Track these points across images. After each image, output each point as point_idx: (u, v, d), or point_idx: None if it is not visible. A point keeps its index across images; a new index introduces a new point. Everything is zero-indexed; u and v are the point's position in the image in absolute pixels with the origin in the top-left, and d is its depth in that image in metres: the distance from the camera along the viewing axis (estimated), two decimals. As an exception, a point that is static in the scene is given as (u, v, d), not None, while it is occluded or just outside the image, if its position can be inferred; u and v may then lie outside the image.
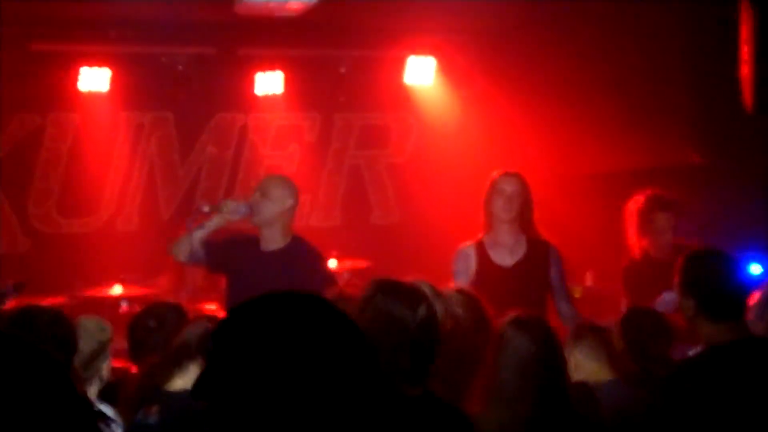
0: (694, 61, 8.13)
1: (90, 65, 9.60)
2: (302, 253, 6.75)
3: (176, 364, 4.55)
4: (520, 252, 6.93)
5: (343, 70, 10.31)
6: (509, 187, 6.91)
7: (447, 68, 10.31)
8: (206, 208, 6.86)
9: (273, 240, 6.72)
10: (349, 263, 8.94)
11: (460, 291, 5.50)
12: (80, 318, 5.22)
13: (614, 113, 8.83)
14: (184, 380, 4.53)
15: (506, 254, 6.94)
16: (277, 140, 10.67)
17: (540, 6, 8.69)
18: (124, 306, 8.40)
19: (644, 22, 8.37)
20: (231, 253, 6.82)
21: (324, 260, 7.00)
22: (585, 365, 5.16)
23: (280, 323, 1.99)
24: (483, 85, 9.92)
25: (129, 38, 9.52)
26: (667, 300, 6.58)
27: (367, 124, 10.96)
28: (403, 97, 10.60)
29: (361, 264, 9.01)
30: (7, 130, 9.80)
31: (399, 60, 10.34)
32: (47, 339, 4.16)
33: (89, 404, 1.18)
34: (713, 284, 4.45)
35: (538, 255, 6.91)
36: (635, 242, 7.49)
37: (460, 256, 6.97)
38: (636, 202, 7.52)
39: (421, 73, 10.37)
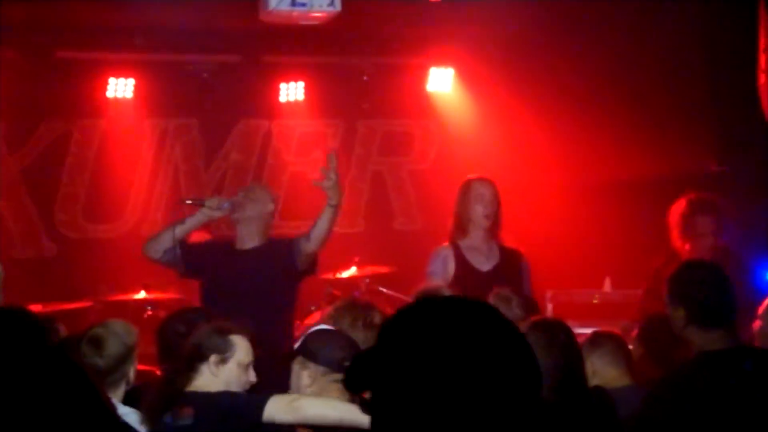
0: (713, 69, 8.16)
1: (116, 72, 9.72)
2: (278, 250, 6.86)
3: (190, 367, 4.65)
4: (495, 258, 6.89)
5: (365, 77, 10.39)
6: (488, 192, 6.89)
7: (467, 76, 10.37)
8: (189, 201, 6.97)
9: (249, 239, 6.87)
10: (371, 269, 9.00)
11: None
12: (108, 321, 5.31)
13: (632, 121, 8.87)
14: (200, 382, 4.62)
15: (483, 259, 6.89)
16: (301, 147, 10.74)
17: (558, 16, 8.75)
18: (148, 310, 8.49)
19: (663, 31, 8.40)
20: (207, 251, 6.92)
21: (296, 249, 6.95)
22: (603, 371, 5.20)
23: (450, 326, 1.93)
24: (502, 94, 9.96)
25: (154, 46, 9.64)
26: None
27: (390, 131, 11.02)
28: (425, 105, 10.67)
29: (384, 270, 9.07)
30: (34, 137, 9.92)
31: (421, 68, 10.42)
32: None
33: (114, 415, 1.18)
34: (702, 293, 4.51)
35: (511, 262, 6.88)
36: (679, 246, 7.42)
37: (437, 257, 6.93)
38: (678, 206, 7.47)
39: (442, 81, 10.44)
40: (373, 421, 1.94)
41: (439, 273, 6.82)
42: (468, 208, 6.91)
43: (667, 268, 7.39)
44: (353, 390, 2.01)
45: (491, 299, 5.72)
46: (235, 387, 4.65)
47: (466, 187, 6.98)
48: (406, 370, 1.89)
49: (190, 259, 6.87)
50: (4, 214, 9.79)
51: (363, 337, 4.79)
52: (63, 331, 5.66)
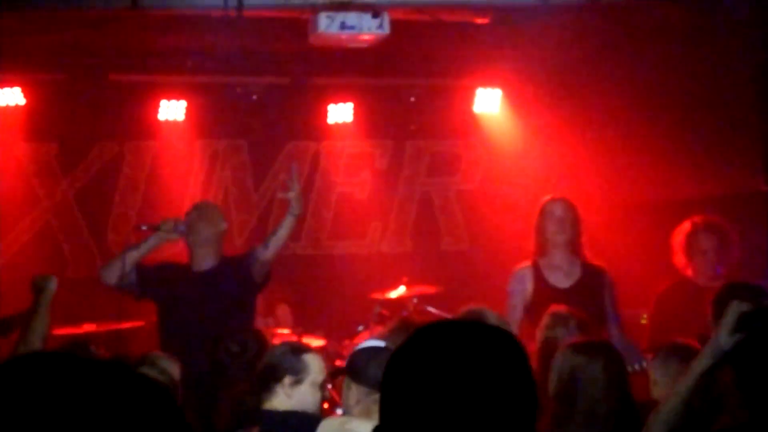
0: (761, 87, 8.13)
1: (167, 95, 9.85)
2: (234, 268, 6.98)
3: (264, 387, 4.72)
4: (576, 275, 7.01)
5: (413, 98, 10.46)
6: (559, 210, 7.03)
7: (514, 97, 10.41)
8: (144, 227, 7.07)
9: (205, 260, 6.98)
10: (419, 289, 9.04)
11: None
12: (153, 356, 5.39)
13: (679, 141, 8.86)
14: (275, 401, 4.70)
15: (562, 276, 7.02)
16: (349, 168, 10.82)
17: (604, 37, 8.77)
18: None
19: (709, 51, 8.39)
20: (162, 275, 7.02)
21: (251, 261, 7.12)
22: (664, 384, 5.16)
23: (467, 353, 1.98)
24: (548, 114, 10.00)
25: (205, 69, 9.75)
26: None
27: (438, 152, 11.07)
28: (472, 125, 10.70)
29: (431, 290, 9.11)
30: (87, 159, 10.07)
31: (468, 89, 10.46)
32: None
33: None
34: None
35: (593, 279, 6.98)
36: (683, 266, 7.48)
37: (515, 277, 7.07)
38: (683, 226, 7.53)
39: (489, 102, 10.48)
40: None
41: (518, 292, 6.99)
42: (542, 228, 7.11)
43: (671, 293, 7.42)
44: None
45: (548, 318, 5.76)
46: (310, 407, 4.71)
47: (540, 207, 7.18)
48: (407, 402, 1.96)
49: (147, 284, 7.01)
50: (58, 235, 9.94)
51: None
52: (101, 353, 5.76)
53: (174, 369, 5.22)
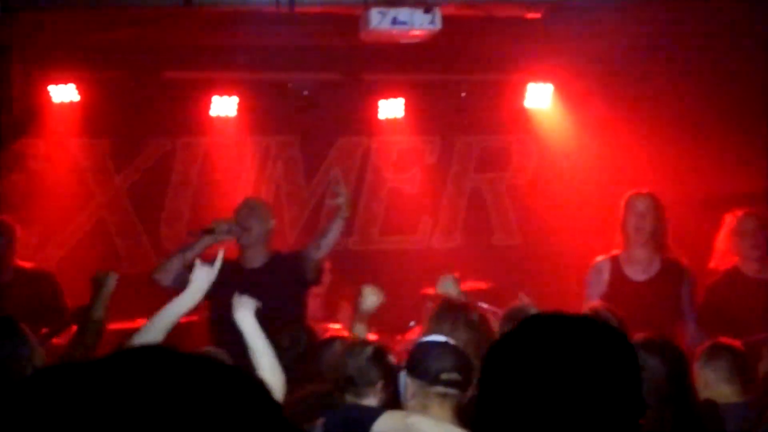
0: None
1: (219, 91, 9.90)
2: (286, 264, 7.04)
3: (349, 389, 4.77)
4: (654, 269, 7.07)
5: (463, 94, 10.44)
6: (641, 205, 7.10)
7: (564, 92, 10.36)
8: (197, 232, 7.11)
9: (256, 257, 7.03)
10: (470, 284, 9.02)
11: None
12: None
13: (733, 135, 8.79)
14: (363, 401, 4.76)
15: (640, 270, 7.10)
16: (399, 163, 10.83)
17: (655, 30, 8.71)
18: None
19: (764, 42, 8.33)
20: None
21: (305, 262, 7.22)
22: (715, 386, 5.12)
23: (555, 351, 1.94)
24: (600, 109, 9.95)
25: (256, 65, 9.79)
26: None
27: (488, 147, 11.05)
28: (522, 120, 10.67)
29: (483, 285, 9.09)
30: (140, 155, 10.16)
31: (519, 84, 10.43)
32: None
33: (296, 428, 1.16)
34: None
35: (672, 274, 7.03)
36: (728, 258, 7.47)
37: (593, 269, 7.14)
38: (732, 218, 7.52)
39: (540, 97, 10.45)
40: None
41: (595, 283, 7.10)
42: (625, 221, 7.25)
43: (721, 284, 7.39)
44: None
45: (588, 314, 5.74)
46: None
47: (625, 201, 7.32)
48: (510, 403, 1.92)
49: None
50: (112, 231, 10.03)
51: (466, 337, 4.85)
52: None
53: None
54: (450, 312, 5.24)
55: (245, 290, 6.74)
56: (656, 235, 7.17)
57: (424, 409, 4.35)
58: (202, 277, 5.34)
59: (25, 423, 1.16)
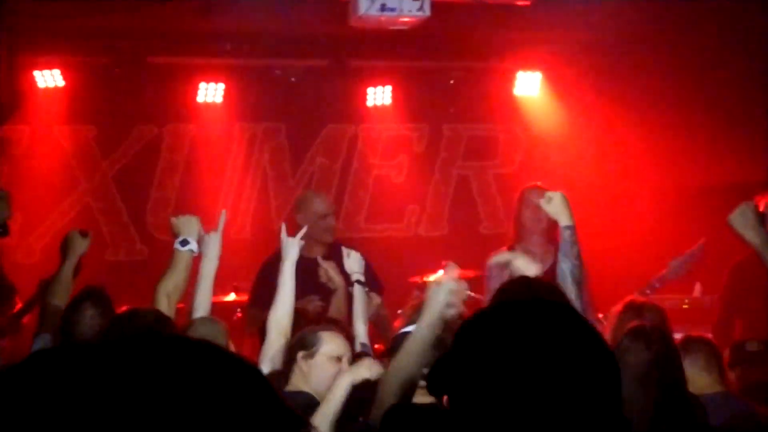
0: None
1: (206, 77, 9.85)
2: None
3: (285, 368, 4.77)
4: (549, 261, 7.09)
5: (452, 81, 10.41)
6: (536, 198, 7.13)
7: (554, 80, 10.34)
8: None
9: (313, 248, 7.05)
10: (458, 272, 8.98)
11: None
12: (196, 321, 5.41)
13: (724, 123, 8.77)
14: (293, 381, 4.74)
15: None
16: (386, 151, 10.79)
17: (645, 18, 8.68)
18: (238, 313, 8.58)
19: (756, 30, 8.30)
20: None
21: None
22: (694, 378, 5.13)
23: (528, 328, 1.91)
24: (589, 97, 9.92)
25: (243, 51, 9.75)
26: (673, 266, 6.75)
27: (476, 135, 11.01)
28: (511, 108, 10.65)
29: (470, 274, 9.05)
30: (126, 141, 10.10)
31: (508, 72, 10.40)
32: None
33: (294, 413, 1.15)
34: None
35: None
36: None
37: (495, 264, 7.12)
38: (757, 201, 7.48)
39: (530, 86, 10.42)
40: (452, 424, 1.94)
41: (496, 277, 7.02)
42: (520, 215, 7.30)
43: (746, 265, 7.38)
44: (434, 394, 2.02)
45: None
46: (323, 384, 4.69)
47: (519, 195, 7.38)
48: (481, 374, 1.88)
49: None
50: (97, 218, 9.97)
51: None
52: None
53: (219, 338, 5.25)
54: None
55: (309, 279, 6.70)
56: (551, 228, 7.22)
57: None
58: (214, 246, 5.65)
59: (20, 408, 1.15)
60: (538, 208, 7.07)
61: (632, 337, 4.22)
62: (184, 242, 5.58)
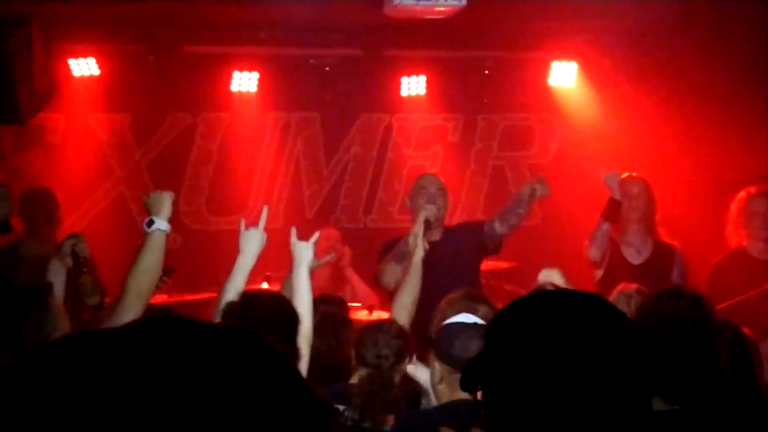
0: None
1: (240, 66, 9.85)
2: (462, 237, 7.23)
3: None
4: (647, 252, 7.21)
5: (487, 71, 10.37)
6: (634, 188, 7.22)
7: (589, 70, 10.28)
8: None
9: (434, 232, 7.02)
10: (491, 264, 8.96)
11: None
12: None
13: (761, 114, 8.66)
14: None
15: (634, 252, 7.27)
16: (421, 141, 10.76)
17: (681, 8, 8.60)
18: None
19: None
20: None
21: None
22: None
23: (561, 320, 1.90)
24: (625, 87, 9.85)
25: (278, 40, 9.74)
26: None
27: (511, 125, 10.97)
28: (546, 99, 10.60)
29: (504, 265, 9.03)
30: (160, 130, 10.12)
31: (543, 62, 10.36)
32: (270, 325, 4.30)
33: (320, 400, 1.13)
34: None
35: (664, 257, 7.26)
36: (738, 236, 7.45)
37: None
38: (744, 194, 7.48)
39: (565, 76, 10.36)
40: (485, 420, 1.92)
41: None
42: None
43: (726, 263, 7.35)
44: (467, 390, 1.99)
45: (615, 296, 5.68)
46: None
47: (618, 185, 7.46)
48: (514, 368, 1.87)
49: None
50: (131, 205, 9.99)
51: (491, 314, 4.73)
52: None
53: None
54: (459, 302, 4.94)
55: (428, 262, 6.67)
56: (647, 217, 7.31)
57: (452, 394, 4.17)
58: (253, 242, 5.32)
59: (40, 393, 1.13)
60: (634, 197, 7.28)
61: (671, 297, 4.10)
62: (150, 222, 4.87)
